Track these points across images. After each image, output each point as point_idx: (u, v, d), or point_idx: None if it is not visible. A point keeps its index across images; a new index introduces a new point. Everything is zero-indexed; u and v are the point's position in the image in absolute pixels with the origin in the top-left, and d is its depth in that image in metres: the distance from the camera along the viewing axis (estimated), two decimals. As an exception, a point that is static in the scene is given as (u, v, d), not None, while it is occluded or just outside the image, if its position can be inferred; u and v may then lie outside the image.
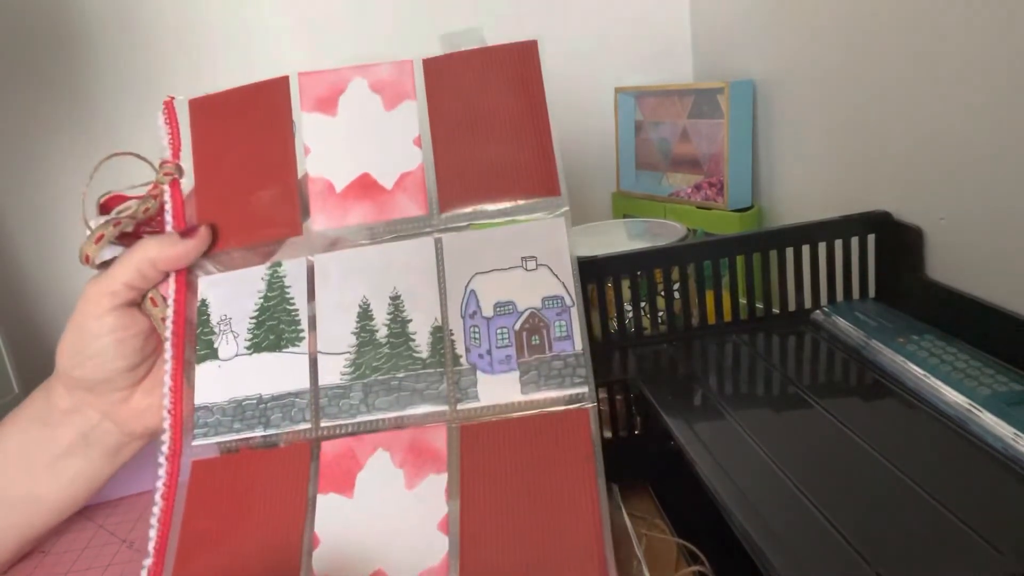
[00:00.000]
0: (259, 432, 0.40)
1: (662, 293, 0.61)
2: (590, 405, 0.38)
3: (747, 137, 0.83)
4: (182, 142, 0.45)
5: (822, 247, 0.61)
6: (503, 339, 0.40)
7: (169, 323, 0.43)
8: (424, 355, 0.40)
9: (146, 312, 0.44)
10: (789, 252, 0.61)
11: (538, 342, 0.40)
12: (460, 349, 0.40)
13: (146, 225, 0.45)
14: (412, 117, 0.43)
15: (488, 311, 0.40)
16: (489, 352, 0.39)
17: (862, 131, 0.66)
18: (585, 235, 0.75)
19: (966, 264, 0.54)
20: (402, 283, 0.42)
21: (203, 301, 0.43)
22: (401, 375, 0.40)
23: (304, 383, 0.40)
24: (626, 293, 0.60)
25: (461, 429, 0.39)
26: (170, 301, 0.43)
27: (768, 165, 0.83)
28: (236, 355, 0.42)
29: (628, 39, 1.00)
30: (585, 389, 0.39)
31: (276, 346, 0.41)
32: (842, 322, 0.57)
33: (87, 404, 0.45)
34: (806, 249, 0.61)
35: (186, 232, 0.43)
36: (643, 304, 0.61)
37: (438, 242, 0.42)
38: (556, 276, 0.41)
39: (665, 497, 0.55)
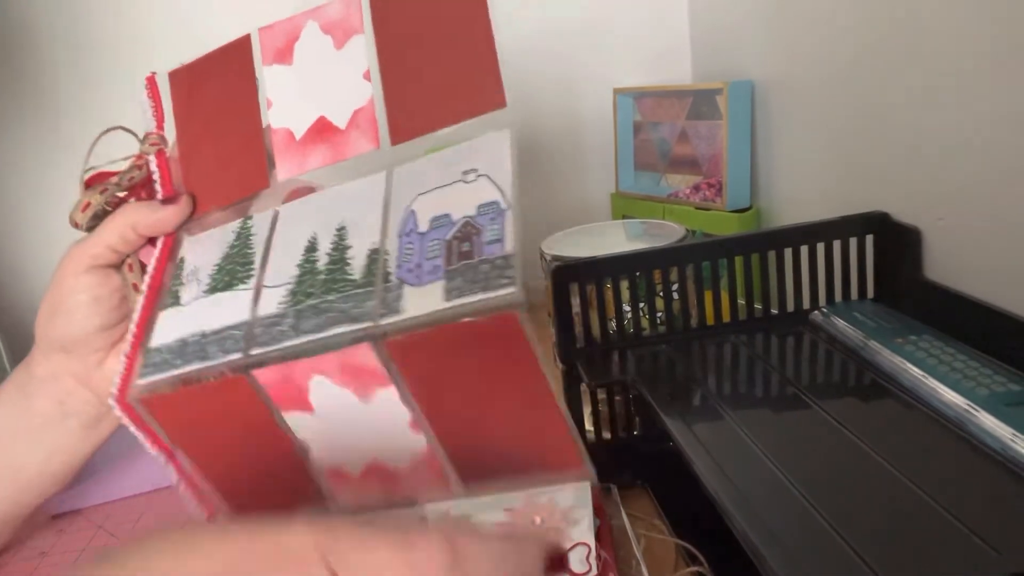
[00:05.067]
0: (196, 366, 0.40)
1: (661, 294, 0.61)
2: (517, 309, 0.35)
3: (746, 138, 0.83)
4: (165, 113, 0.47)
5: (820, 248, 0.61)
6: (434, 251, 0.38)
7: (146, 280, 0.44)
8: (357, 276, 0.40)
9: (123, 277, 0.45)
10: (788, 253, 0.61)
11: (468, 248, 0.38)
12: (392, 267, 0.39)
13: (134, 194, 0.47)
14: (361, 51, 0.44)
15: (424, 227, 0.40)
16: (419, 265, 0.38)
17: (861, 132, 0.66)
18: (584, 236, 0.75)
19: (964, 264, 0.54)
20: (349, 215, 0.42)
21: (181, 259, 0.45)
22: (332, 298, 0.39)
23: (244, 316, 0.41)
24: (625, 294, 0.60)
25: (387, 345, 0.37)
26: (153, 260, 0.45)
27: (767, 166, 0.83)
28: (195, 299, 0.43)
29: (627, 40, 1.00)
30: (512, 290, 0.36)
31: (229, 286, 0.42)
32: (840, 323, 0.57)
33: (63, 369, 0.45)
34: (804, 250, 0.61)
35: (168, 199, 0.45)
36: (642, 305, 0.61)
37: (389, 174, 0.43)
38: (494, 183, 0.39)
39: (664, 498, 0.55)
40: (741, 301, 0.63)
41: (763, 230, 0.81)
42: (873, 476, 0.39)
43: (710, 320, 0.62)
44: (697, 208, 0.87)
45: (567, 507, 0.54)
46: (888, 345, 0.51)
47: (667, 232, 0.71)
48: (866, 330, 0.55)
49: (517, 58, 0.99)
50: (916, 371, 0.48)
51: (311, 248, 0.42)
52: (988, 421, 0.41)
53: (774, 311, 0.62)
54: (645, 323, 0.61)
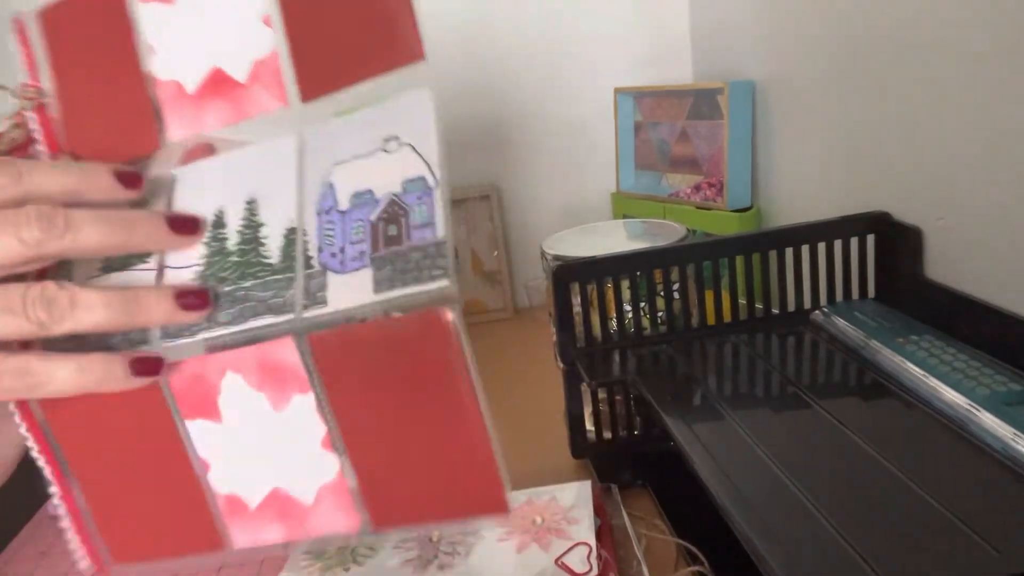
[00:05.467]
0: None
1: (661, 293, 0.61)
2: (450, 304, 0.33)
3: (746, 137, 0.83)
4: (39, 61, 0.41)
5: (821, 247, 0.61)
6: (358, 233, 0.35)
7: None
8: (274, 260, 0.36)
9: None
10: (788, 252, 0.61)
11: (395, 232, 0.35)
12: (312, 250, 0.36)
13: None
14: None
15: (344, 204, 0.36)
16: (342, 250, 0.35)
17: (862, 132, 0.66)
18: (584, 235, 0.75)
19: (965, 264, 0.54)
20: (259, 185, 0.38)
21: None
22: (248, 284, 0.36)
23: None
24: (625, 293, 0.60)
25: (310, 341, 0.35)
26: None
27: (767, 165, 0.83)
28: (88, 279, 0.38)
29: (627, 40, 1.00)
30: (445, 283, 0.33)
31: (124, 265, 0.38)
32: (841, 322, 0.57)
33: None
34: (805, 249, 0.61)
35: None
36: (642, 304, 0.61)
37: (300, 138, 0.38)
38: (419, 155, 0.35)
39: (664, 497, 0.55)
40: (742, 301, 0.63)
41: (764, 230, 0.81)
42: (874, 476, 0.39)
43: (711, 320, 0.62)
44: (698, 208, 0.87)
45: (568, 506, 0.54)
46: (889, 345, 0.51)
47: (668, 232, 0.71)
48: (867, 330, 0.54)
49: (518, 58, 0.99)
50: (917, 371, 0.48)
51: (218, 223, 0.38)
52: (989, 421, 0.41)
53: (775, 311, 0.62)
54: (646, 323, 0.61)
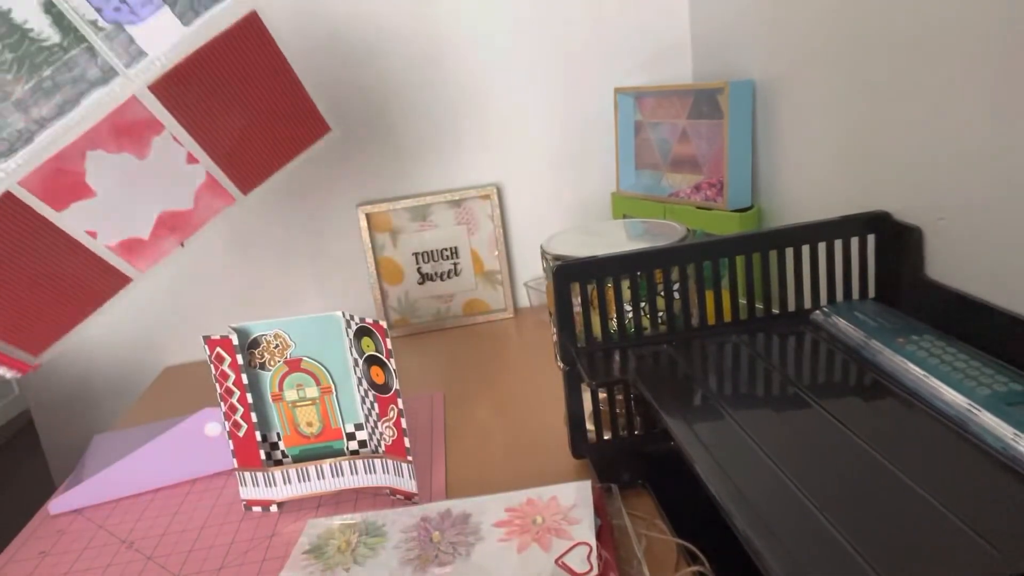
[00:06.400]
0: None
1: (662, 293, 0.61)
2: (252, 6, 0.38)
3: (747, 137, 0.83)
4: None
5: (822, 247, 0.61)
6: None
7: None
8: (56, 39, 0.34)
9: None
10: (789, 252, 0.61)
11: None
12: (90, 13, 0.35)
13: None
14: None
15: None
16: (124, 2, 0.35)
17: (862, 131, 0.66)
18: (584, 235, 0.75)
19: (966, 264, 0.54)
20: None
21: None
22: (47, 72, 0.34)
23: None
24: (626, 293, 0.60)
25: (153, 90, 0.37)
26: None
27: (768, 165, 0.83)
28: None
29: (627, 40, 1.00)
30: None
31: None
32: (842, 322, 0.57)
33: None
34: (806, 249, 0.61)
35: None
36: (643, 304, 0.61)
37: None
38: None
39: (665, 497, 0.55)
40: (742, 301, 0.63)
41: (764, 230, 0.80)
42: (874, 476, 0.39)
43: (711, 320, 0.62)
44: (698, 208, 0.87)
45: (568, 506, 0.54)
46: (889, 345, 0.51)
47: (668, 231, 0.71)
48: (867, 330, 0.54)
49: (518, 58, 0.99)
50: (917, 371, 0.48)
51: None
52: (989, 420, 0.41)
53: (775, 311, 0.62)
54: (646, 323, 0.61)
